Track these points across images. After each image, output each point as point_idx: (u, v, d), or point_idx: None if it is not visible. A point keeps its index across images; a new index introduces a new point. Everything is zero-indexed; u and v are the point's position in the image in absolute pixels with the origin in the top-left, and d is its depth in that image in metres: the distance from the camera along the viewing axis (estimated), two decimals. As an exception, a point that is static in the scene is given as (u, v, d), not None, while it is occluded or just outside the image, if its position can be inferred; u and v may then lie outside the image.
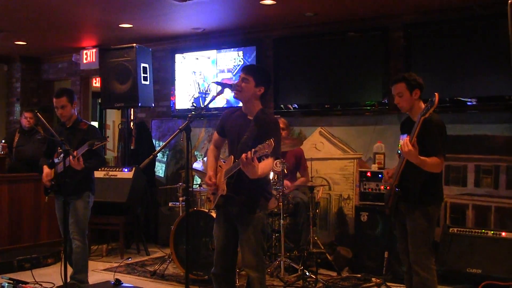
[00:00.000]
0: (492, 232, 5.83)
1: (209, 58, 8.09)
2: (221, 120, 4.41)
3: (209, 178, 4.24)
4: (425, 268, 4.20)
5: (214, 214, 5.27)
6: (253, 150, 3.70)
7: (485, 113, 6.26)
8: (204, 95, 8.17)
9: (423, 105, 4.09)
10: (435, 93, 3.92)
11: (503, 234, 5.75)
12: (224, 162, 4.29)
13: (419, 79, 4.29)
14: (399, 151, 4.22)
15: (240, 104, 4.30)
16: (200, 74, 8.19)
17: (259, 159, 3.81)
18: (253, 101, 4.18)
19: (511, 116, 6.10)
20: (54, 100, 5.43)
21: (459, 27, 6.34)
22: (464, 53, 6.29)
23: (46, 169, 5.37)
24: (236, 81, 4.26)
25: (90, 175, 5.52)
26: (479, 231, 5.90)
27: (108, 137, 5.54)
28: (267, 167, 4.01)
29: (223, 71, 7.99)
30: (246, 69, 4.24)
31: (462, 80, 6.31)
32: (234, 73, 7.81)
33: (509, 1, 5.11)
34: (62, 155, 5.09)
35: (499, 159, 6.19)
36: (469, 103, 6.26)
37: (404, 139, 4.10)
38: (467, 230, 5.97)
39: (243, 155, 3.75)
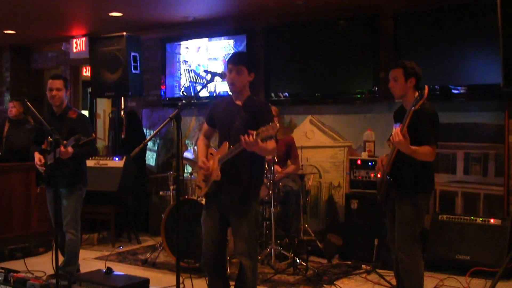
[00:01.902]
0: (480, 219, 5.88)
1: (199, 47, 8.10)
2: (210, 110, 4.39)
3: (203, 162, 4.19)
4: (411, 255, 4.23)
5: (204, 202, 5.28)
6: (255, 132, 3.66)
7: (475, 101, 6.28)
8: (195, 84, 8.17)
9: (416, 95, 4.12)
10: (425, 86, 3.99)
11: (492, 221, 5.81)
12: (216, 150, 4.26)
13: (418, 69, 4.30)
14: (389, 139, 4.25)
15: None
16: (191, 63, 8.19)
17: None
18: (245, 89, 4.18)
19: (499, 104, 6.13)
20: (50, 82, 5.37)
21: (449, 16, 6.33)
22: (454, 41, 6.29)
23: (37, 155, 5.27)
24: (225, 71, 4.23)
25: (81, 167, 5.48)
26: (468, 218, 5.95)
27: (94, 133, 5.51)
28: (273, 147, 4.00)
29: (214, 59, 7.99)
30: (236, 59, 4.15)
31: (452, 69, 6.33)
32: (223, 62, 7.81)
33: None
34: (51, 145, 5.04)
35: (488, 146, 6.23)
36: (458, 91, 6.28)
37: (395, 129, 4.12)
38: (456, 217, 6.02)
39: (243, 137, 3.70)
